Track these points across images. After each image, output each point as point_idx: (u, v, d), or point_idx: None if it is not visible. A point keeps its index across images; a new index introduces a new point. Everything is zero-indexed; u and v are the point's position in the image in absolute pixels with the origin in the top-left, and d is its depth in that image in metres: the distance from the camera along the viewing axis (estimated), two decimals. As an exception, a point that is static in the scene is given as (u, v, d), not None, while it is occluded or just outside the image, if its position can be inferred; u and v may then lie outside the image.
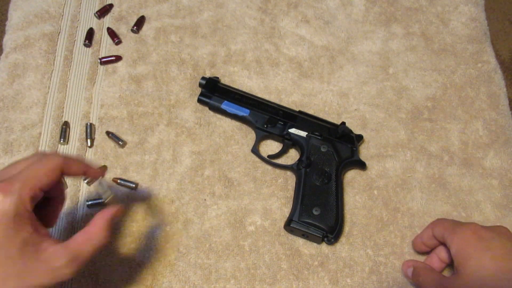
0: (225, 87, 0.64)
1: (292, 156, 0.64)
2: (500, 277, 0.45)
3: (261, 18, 0.73)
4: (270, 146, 0.65)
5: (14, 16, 0.70)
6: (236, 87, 0.66)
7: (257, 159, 0.63)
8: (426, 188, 0.63)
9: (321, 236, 0.56)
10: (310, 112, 0.65)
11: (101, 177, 0.47)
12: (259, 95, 0.66)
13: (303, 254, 0.58)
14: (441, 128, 0.67)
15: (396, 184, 0.63)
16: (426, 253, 0.58)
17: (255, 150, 0.62)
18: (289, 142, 0.62)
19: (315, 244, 0.58)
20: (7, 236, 0.35)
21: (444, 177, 0.64)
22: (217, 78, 0.65)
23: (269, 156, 0.62)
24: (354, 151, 0.62)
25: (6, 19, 0.70)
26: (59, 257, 0.37)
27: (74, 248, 0.38)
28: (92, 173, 0.45)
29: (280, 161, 0.63)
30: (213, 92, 0.64)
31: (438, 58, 0.72)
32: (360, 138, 0.64)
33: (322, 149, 0.61)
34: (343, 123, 0.63)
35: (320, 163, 0.60)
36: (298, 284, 0.56)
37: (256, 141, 0.63)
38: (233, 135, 0.64)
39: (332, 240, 0.57)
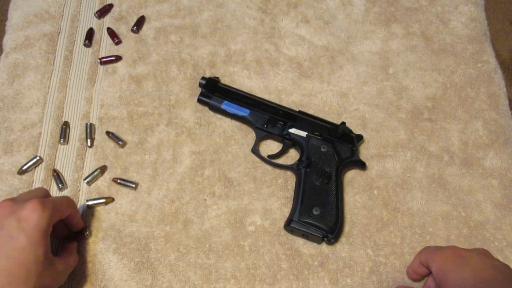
0: (225, 87, 0.64)
1: (292, 156, 0.64)
2: (479, 287, 0.46)
3: (261, 18, 0.73)
4: (270, 146, 0.65)
5: (14, 16, 0.70)
6: (236, 87, 0.66)
7: (257, 159, 0.63)
8: (426, 188, 0.63)
9: (321, 236, 0.56)
10: (310, 112, 0.65)
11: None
12: (259, 95, 0.66)
13: (303, 254, 0.58)
14: (441, 128, 0.67)
15: (396, 184, 0.63)
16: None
17: (255, 150, 0.62)
18: (289, 142, 0.62)
19: (315, 244, 0.58)
20: (39, 243, 0.45)
21: (444, 177, 0.64)
22: (217, 78, 0.65)
23: (269, 156, 0.62)
24: (354, 151, 0.62)
25: (6, 19, 0.70)
26: (60, 264, 0.48)
27: (65, 260, 0.50)
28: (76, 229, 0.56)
29: (280, 161, 0.63)
30: (213, 92, 0.64)
31: (438, 58, 0.72)
32: (360, 138, 0.64)
33: (322, 149, 0.61)
34: (343, 123, 0.63)
35: (320, 163, 0.60)
36: (298, 284, 0.56)
37: (256, 141, 0.63)
38: (233, 135, 0.64)
39: (332, 240, 0.57)
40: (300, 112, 0.64)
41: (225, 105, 0.63)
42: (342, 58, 0.71)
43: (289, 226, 0.57)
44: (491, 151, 0.66)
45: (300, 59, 0.70)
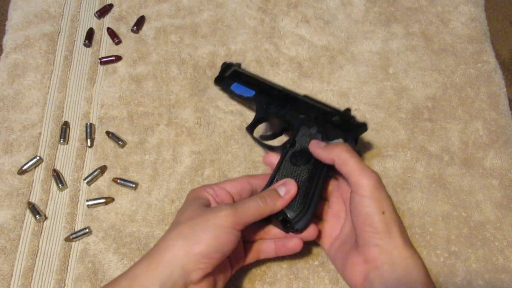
0: (242, 71, 0.66)
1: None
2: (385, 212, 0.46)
3: (261, 18, 0.73)
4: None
5: (14, 16, 0.70)
6: (236, 87, 0.66)
7: (257, 158, 0.63)
8: (426, 188, 0.63)
9: (279, 219, 0.50)
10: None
11: None
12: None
13: (303, 254, 0.58)
14: (441, 128, 0.67)
15: (396, 184, 0.63)
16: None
17: (249, 130, 0.60)
18: (284, 124, 0.61)
19: (315, 243, 0.58)
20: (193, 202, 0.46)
21: (444, 177, 0.64)
22: (239, 64, 0.67)
23: (261, 137, 0.62)
24: (348, 138, 0.55)
25: (6, 19, 0.70)
26: (226, 213, 0.43)
27: (238, 210, 0.44)
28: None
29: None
30: (227, 76, 0.65)
31: (438, 58, 0.72)
32: (362, 127, 0.57)
33: (311, 131, 0.56)
34: (348, 109, 0.57)
35: (304, 143, 0.55)
36: (298, 283, 0.56)
37: (253, 120, 0.61)
38: (233, 135, 0.64)
39: (294, 227, 0.50)
40: (305, 96, 0.61)
41: (234, 87, 0.64)
42: (342, 58, 0.71)
43: None
44: (491, 151, 0.66)
45: (300, 59, 0.70)
